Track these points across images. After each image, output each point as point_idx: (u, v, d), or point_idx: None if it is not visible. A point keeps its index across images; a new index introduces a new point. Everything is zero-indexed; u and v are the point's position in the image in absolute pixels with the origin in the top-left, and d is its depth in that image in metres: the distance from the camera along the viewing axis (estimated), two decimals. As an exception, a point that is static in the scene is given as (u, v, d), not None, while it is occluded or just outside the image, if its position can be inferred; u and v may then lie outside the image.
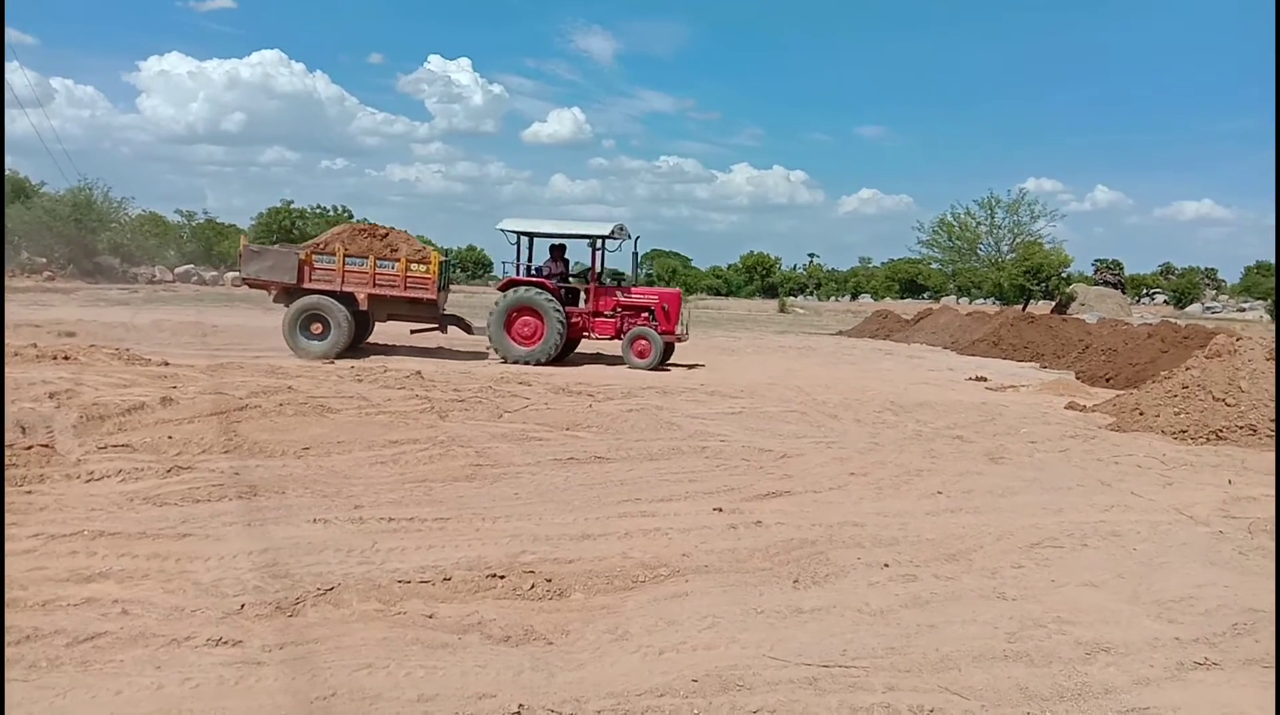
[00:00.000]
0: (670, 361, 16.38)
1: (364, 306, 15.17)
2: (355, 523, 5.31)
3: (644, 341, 15.78)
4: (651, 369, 15.30)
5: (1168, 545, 5.53)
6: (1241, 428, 9.60)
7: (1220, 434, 9.59)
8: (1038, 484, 7.26)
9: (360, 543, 4.92)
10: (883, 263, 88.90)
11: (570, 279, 16.40)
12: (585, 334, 16.23)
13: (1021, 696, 3.33)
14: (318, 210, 47.88)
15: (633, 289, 16.56)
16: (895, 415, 10.96)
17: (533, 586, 4.38)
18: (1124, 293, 49.47)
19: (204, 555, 4.58)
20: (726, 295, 76.68)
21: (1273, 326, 36.48)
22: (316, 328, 14.93)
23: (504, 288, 15.93)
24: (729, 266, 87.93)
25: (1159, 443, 9.49)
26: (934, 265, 60.51)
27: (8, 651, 3.34)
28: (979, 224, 53.40)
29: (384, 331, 17.21)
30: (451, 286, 17.71)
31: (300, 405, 8.63)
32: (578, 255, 17.16)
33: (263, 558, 4.56)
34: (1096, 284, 45.74)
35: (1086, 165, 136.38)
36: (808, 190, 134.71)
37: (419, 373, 11.94)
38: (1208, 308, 65.39)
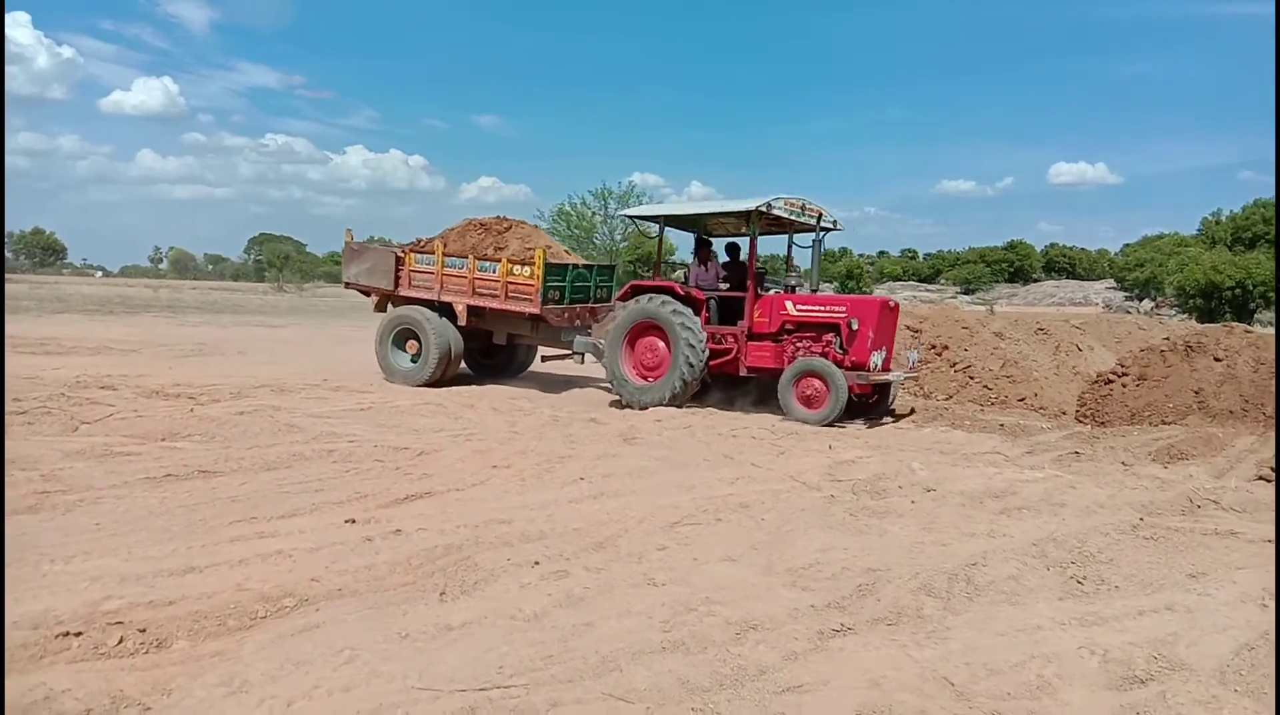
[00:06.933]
0: (889, 412, 10.69)
1: (463, 321, 11.93)
2: None
3: (815, 381, 9.81)
4: (826, 424, 9.60)
5: (789, 512, 5.89)
6: (832, 396, 10.71)
7: (816, 403, 10.64)
8: (669, 462, 7.49)
9: None
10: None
11: (765, 285, 11.24)
12: (745, 369, 10.72)
13: (684, 691, 3.24)
14: None
15: (806, 297, 10.73)
16: (530, 402, 10.92)
17: (121, 641, 3.57)
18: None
19: None
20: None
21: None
22: (412, 346, 11.93)
23: (625, 297, 11.32)
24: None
25: (769, 415, 10.31)
26: (555, 251, 62.60)
27: None
28: (594, 213, 56.11)
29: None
30: (592, 303, 12.88)
31: None
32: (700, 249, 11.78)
33: None
34: (699, 270, 50.15)
35: (683, 162, 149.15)
36: (428, 176, 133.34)
37: (-36, 382, 9.78)
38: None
